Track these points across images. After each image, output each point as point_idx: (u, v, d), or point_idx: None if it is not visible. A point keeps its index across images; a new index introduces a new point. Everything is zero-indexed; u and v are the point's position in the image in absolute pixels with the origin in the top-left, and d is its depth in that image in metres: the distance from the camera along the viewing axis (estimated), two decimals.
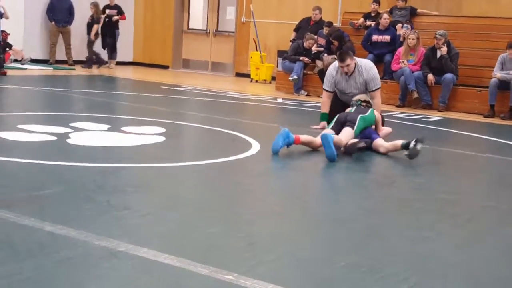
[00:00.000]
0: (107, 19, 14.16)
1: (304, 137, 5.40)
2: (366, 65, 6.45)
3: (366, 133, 5.59)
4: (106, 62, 14.18)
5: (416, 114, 8.99)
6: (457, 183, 4.80)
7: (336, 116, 5.68)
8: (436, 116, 8.98)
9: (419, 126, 7.72)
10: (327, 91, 6.54)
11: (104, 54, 14.26)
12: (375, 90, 6.32)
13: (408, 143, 5.22)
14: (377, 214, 3.70)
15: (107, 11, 14.22)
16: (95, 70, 13.37)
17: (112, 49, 14.40)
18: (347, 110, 5.89)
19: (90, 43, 13.79)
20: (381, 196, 4.22)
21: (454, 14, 11.83)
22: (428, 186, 4.69)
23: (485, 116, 9.16)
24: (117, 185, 3.89)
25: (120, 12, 14.33)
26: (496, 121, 8.90)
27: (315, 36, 11.35)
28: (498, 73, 9.21)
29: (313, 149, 5.40)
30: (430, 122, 8.25)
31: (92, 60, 13.79)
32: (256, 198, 3.99)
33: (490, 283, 2.65)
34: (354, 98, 6.00)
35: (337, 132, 5.43)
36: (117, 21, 14.31)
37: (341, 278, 2.59)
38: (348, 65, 6.26)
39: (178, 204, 3.60)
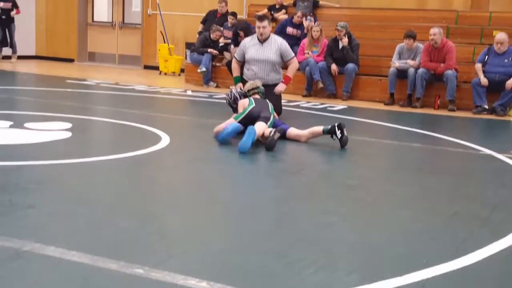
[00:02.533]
0: (1, 13, 13.50)
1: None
2: (278, 38, 7.29)
3: (275, 125, 5.72)
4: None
5: (321, 104, 9.26)
6: (360, 169, 5.02)
7: (247, 111, 5.67)
8: (340, 105, 9.29)
9: (324, 115, 7.96)
10: (237, 59, 7.24)
11: None
12: (291, 58, 7.16)
13: (331, 128, 5.49)
14: (286, 201, 3.81)
15: (1, 4, 13.56)
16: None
17: (11, 44, 13.78)
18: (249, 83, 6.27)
19: None
20: (290, 184, 4.34)
21: (354, 6, 12.29)
22: (333, 173, 4.88)
23: (385, 104, 9.57)
24: (20, 183, 3.78)
25: (15, 5, 13.71)
26: (395, 108, 9.32)
27: (221, 28, 11.41)
28: (396, 62, 9.64)
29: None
30: (335, 111, 8.53)
31: None
32: (166, 191, 4.00)
33: (389, 260, 2.82)
34: (253, 82, 6.21)
35: (246, 124, 5.44)
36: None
37: (252, 266, 2.67)
38: (265, 27, 6.94)
39: (85, 200, 3.54)
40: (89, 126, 6.41)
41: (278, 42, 7.09)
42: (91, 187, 3.92)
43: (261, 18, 7.06)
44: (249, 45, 7.10)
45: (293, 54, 7.27)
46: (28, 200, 3.40)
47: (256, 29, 7.05)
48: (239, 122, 5.56)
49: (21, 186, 3.70)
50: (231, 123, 5.54)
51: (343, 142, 5.51)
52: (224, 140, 5.36)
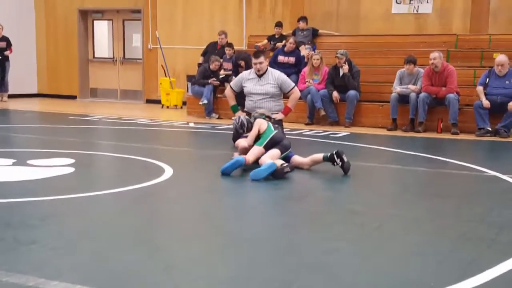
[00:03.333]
0: None
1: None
2: (277, 72, 7.32)
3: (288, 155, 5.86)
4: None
5: (324, 131, 9.27)
6: (365, 194, 4.98)
7: (271, 136, 5.75)
8: (343, 131, 9.30)
9: (328, 142, 7.96)
10: (232, 88, 7.35)
11: None
12: (291, 89, 7.17)
13: (331, 156, 5.54)
14: (290, 229, 3.78)
15: None
16: None
17: (3, 83, 13.84)
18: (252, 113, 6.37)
19: None
20: (294, 212, 4.31)
21: (353, 33, 12.37)
22: (337, 198, 4.85)
23: (388, 129, 9.58)
24: (23, 219, 3.76)
25: (9, 44, 13.83)
26: (398, 133, 9.32)
27: (220, 58, 11.51)
28: (397, 88, 9.67)
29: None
30: (337, 137, 8.53)
31: None
32: (170, 222, 3.97)
33: (397, 285, 2.78)
34: (259, 111, 6.25)
35: (268, 148, 5.66)
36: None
37: None
38: (261, 63, 7.02)
39: (89, 234, 3.52)
40: (92, 161, 6.41)
41: (275, 76, 7.17)
42: (94, 221, 3.89)
43: (257, 54, 7.18)
44: (247, 79, 7.23)
45: (293, 85, 7.29)
46: (32, 236, 3.38)
47: (253, 65, 7.16)
48: (264, 147, 5.66)
49: (24, 223, 3.68)
50: (244, 146, 5.76)
51: (345, 169, 5.51)
52: (226, 171, 5.34)
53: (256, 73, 7.19)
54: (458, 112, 9.21)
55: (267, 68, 7.19)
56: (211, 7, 13.79)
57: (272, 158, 5.46)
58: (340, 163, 5.50)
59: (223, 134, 8.50)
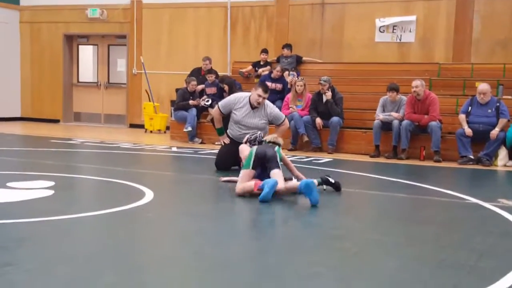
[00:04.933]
0: None
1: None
2: (269, 105, 7.14)
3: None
4: None
5: (307, 157, 9.28)
6: (346, 220, 4.97)
7: (253, 155, 5.64)
8: (326, 157, 9.31)
9: (310, 168, 7.95)
10: (220, 111, 7.07)
11: None
12: (282, 121, 7.13)
13: (319, 183, 5.81)
14: (270, 253, 3.75)
15: None
16: None
17: None
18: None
19: None
20: (273, 236, 4.28)
21: (336, 61, 12.48)
22: (318, 223, 4.82)
23: (371, 156, 9.61)
24: None
25: None
26: (381, 160, 9.35)
27: (194, 78, 11.55)
28: (380, 115, 9.73)
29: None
30: (320, 163, 8.53)
31: None
32: (148, 245, 3.91)
33: None
34: (266, 138, 6.12)
35: (258, 167, 5.63)
36: None
37: None
38: (265, 98, 6.89)
39: (66, 257, 3.45)
40: (72, 184, 6.33)
41: (267, 111, 7.02)
42: (72, 243, 3.82)
43: (267, 90, 7.00)
44: (239, 107, 7.01)
45: (283, 117, 7.21)
46: (6, 258, 3.31)
47: (256, 96, 6.90)
48: (252, 168, 5.62)
49: (0, 245, 3.60)
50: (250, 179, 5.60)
51: (337, 188, 5.93)
52: (267, 198, 5.22)
53: (251, 104, 6.99)
54: (441, 140, 9.27)
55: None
56: (195, 33, 13.87)
57: (280, 184, 5.40)
58: (331, 185, 5.90)
59: (206, 158, 8.47)
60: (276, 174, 5.52)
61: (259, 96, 6.87)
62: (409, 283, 3.18)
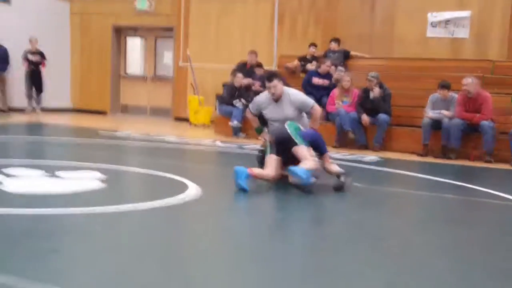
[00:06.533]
0: (32, 66, 13.77)
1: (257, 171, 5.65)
2: (293, 92, 6.65)
3: (305, 135, 5.93)
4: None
5: (352, 155, 9.12)
6: (391, 220, 4.85)
7: (270, 141, 5.86)
8: (372, 156, 9.13)
9: (355, 166, 7.81)
10: (251, 112, 6.84)
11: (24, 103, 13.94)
12: (311, 108, 6.53)
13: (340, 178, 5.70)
14: (316, 251, 3.69)
15: (29, 56, 13.80)
16: (30, 118, 13.07)
17: (38, 96, 14.05)
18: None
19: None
20: (318, 234, 4.20)
21: (386, 56, 12.22)
22: (363, 223, 4.71)
23: (419, 155, 9.38)
24: (47, 229, 3.74)
25: (43, 58, 13.97)
26: (429, 159, 9.12)
27: (240, 74, 11.48)
28: (430, 113, 9.49)
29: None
30: (366, 162, 8.38)
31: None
32: (194, 240, 3.90)
33: None
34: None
35: (281, 152, 5.73)
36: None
37: None
38: (275, 86, 6.37)
39: (111, 248, 3.47)
40: (119, 176, 6.38)
41: (291, 98, 6.50)
42: (118, 235, 3.85)
43: (270, 78, 6.49)
44: (265, 105, 6.64)
45: (312, 103, 6.59)
46: (53, 246, 3.35)
47: (267, 89, 6.55)
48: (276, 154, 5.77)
49: (48, 233, 3.66)
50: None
51: (337, 188, 5.69)
52: (241, 187, 5.36)
53: (271, 97, 6.61)
54: (493, 140, 8.97)
55: (282, 91, 6.53)
56: (243, 26, 13.83)
57: (307, 158, 5.52)
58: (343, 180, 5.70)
59: (250, 153, 8.42)
60: (297, 151, 5.63)
61: (268, 87, 6.50)
62: (455, 286, 3.05)
